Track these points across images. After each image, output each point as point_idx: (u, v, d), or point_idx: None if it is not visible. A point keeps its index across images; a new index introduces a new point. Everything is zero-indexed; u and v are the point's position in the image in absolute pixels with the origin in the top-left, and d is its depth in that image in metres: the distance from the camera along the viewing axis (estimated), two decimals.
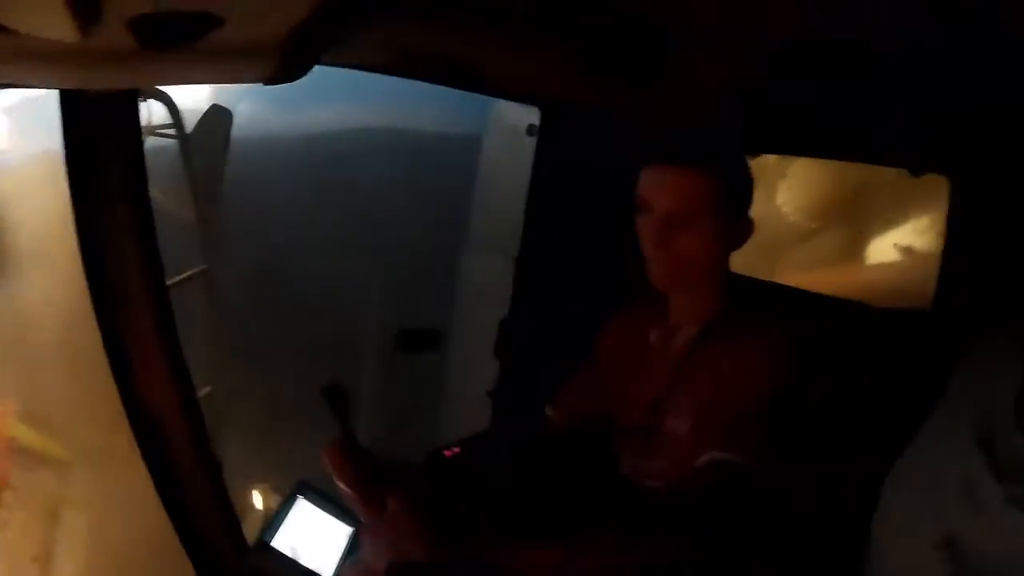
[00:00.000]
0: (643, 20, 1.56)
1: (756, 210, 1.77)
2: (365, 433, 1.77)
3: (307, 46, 1.16)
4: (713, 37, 1.63)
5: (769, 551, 1.64)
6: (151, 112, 3.25)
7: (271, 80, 1.20)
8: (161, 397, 2.02)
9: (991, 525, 1.34)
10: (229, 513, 2.15)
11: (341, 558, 1.96)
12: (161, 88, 3.27)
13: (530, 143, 2.72)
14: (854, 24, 1.41)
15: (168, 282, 2.02)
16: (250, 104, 4.16)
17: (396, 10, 1.42)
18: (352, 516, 1.98)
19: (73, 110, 1.76)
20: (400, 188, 4.20)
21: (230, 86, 3.85)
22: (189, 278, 3.56)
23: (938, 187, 2.09)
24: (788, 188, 3.48)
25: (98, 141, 1.79)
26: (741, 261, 1.85)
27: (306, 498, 2.02)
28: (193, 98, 3.76)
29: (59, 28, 0.92)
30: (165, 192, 3.32)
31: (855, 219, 3.40)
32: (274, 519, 1.96)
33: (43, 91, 1.81)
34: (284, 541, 1.92)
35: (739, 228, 1.74)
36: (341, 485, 1.64)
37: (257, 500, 3.75)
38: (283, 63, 1.16)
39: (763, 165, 3.22)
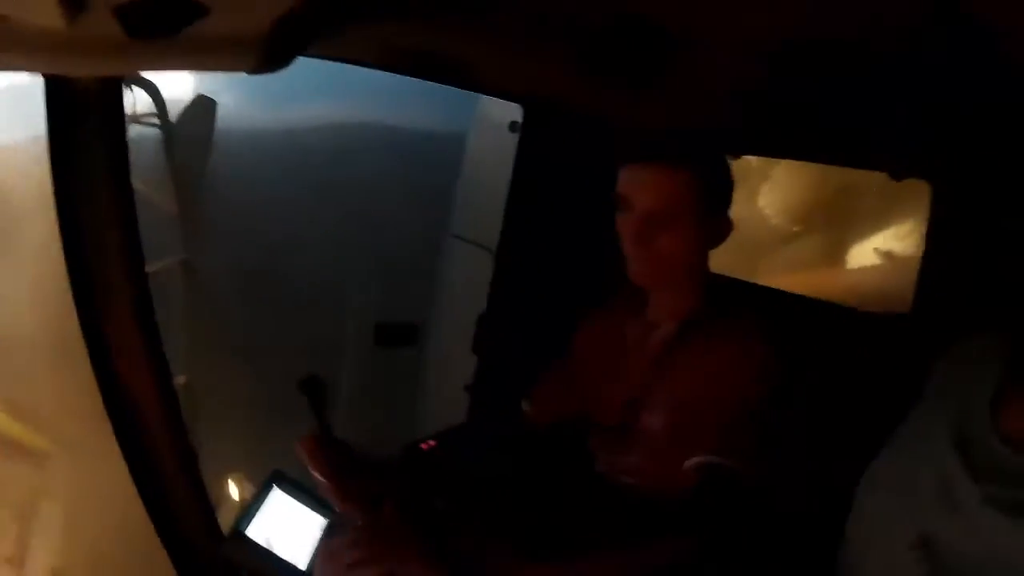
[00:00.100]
0: (643, 20, 1.57)
1: (738, 212, 1.78)
2: (342, 425, 1.77)
3: (292, 37, 1.16)
4: (713, 37, 1.63)
5: (757, 553, 1.65)
6: (135, 101, 3.23)
7: (255, 70, 1.20)
8: (139, 385, 2.01)
9: (967, 525, 1.36)
10: (205, 503, 2.15)
11: (315, 549, 1.96)
12: (146, 76, 3.26)
13: (514, 140, 2.73)
14: (854, 24, 1.42)
15: (147, 270, 2.01)
16: (234, 96, 4.15)
17: (384, 5, 1.42)
18: (327, 507, 1.98)
19: (58, 97, 1.75)
20: (383, 183, 4.20)
21: (214, 78, 3.85)
22: (168, 268, 3.55)
23: (920, 192, 2.11)
24: (770, 191, 3.50)
25: (81, 128, 1.78)
26: (722, 262, 1.87)
27: (281, 488, 2.02)
28: (178, 88, 3.74)
29: (46, 14, 0.92)
30: (147, 182, 3.30)
31: (837, 223, 3.42)
32: (249, 509, 1.95)
33: (28, 78, 1.80)
34: (259, 531, 1.91)
35: (718, 227, 1.75)
36: (317, 476, 1.64)
37: (233, 490, 3.74)
38: (268, 53, 1.16)
39: (745, 167, 3.23)
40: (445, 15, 1.58)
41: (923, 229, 2.11)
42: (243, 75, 1.25)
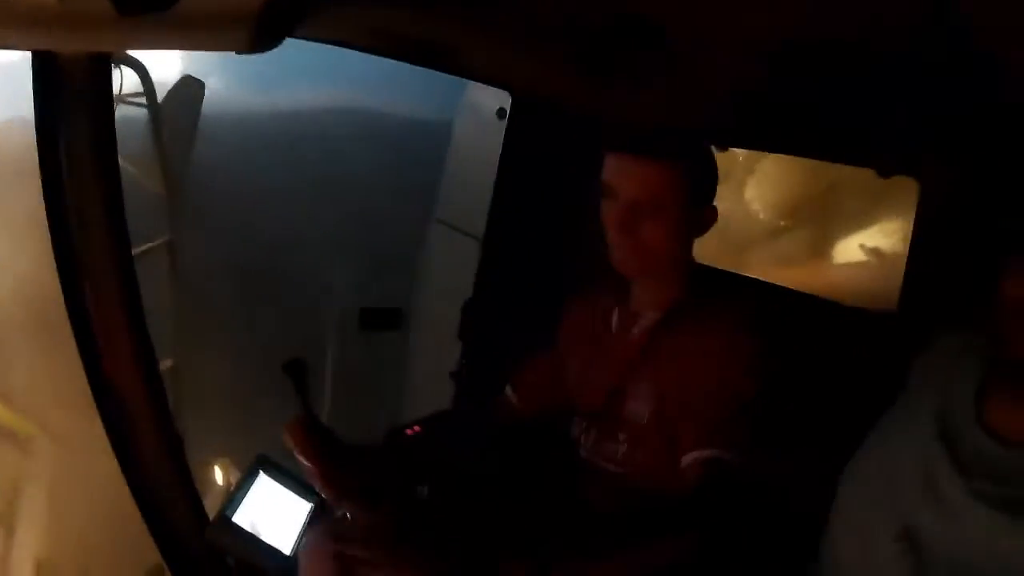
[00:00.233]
0: (643, 20, 1.56)
1: (724, 206, 1.78)
2: (327, 410, 1.77)
3: (281, 17, 1.15)
4: (713, 37, 1.63)
5: (760, 550, 1.66)
6: (122, 80, 3.20)
7: (245, 50, 1.19)
8: (124, 370, 1.99)
9: (952, 517, 1.37)
10: (190, 488, 2.14)
11: (300, 534, 1.95)
12: (134, 56, 3.23)
13: (501, 127, 2.72)
14: (854, 24, 1.42)
15: (133, 252, 2.00)
16: (221, 78, 4.13)
17: None
18: (312, 492, 1.97)
19: (46, 75, 1.74)
20: (370, 169, 4.19)
21: (201, 59, 3.82)
22: (152, 249, 3.52)
23: (907, 189, 2.11)
24: (757, 184, 3.50)
25: (68, 107, 1.77)
26: (709, 255, 1.87)
27: (266, 473, 2.02)
28: (166, 69, 3.72)
29: None
30: (134, 162, 3.28)
31: (824, 218, 3.43)
32: (235, 494, 1.95)
33: (15, 55, 1.79)
34: (244, 516, 1.91)
35: (702, 217, 1.75)
36: (302, 461, 1.64)
37: (218, 475, 3.73)
38: (257, 33, 1.15)
39: (732, 161, 3.24)
40: (439, 4, 1.57)
41: (910, 226, 2.12)
42: (231, 56, 1.24)
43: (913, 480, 1.44)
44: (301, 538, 1.93)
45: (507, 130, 2.71)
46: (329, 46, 1.99)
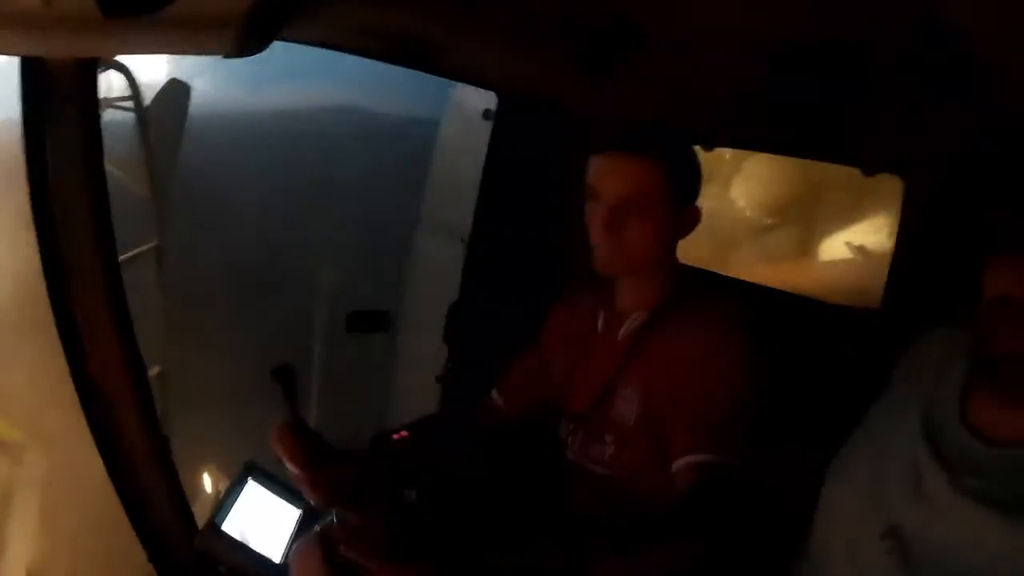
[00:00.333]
0: (627, 19, 1.57)
1: (711, 204, 1.79)
2: (314, 413, 1.76)
3: (268, 20, 1.15)
4: (713, 37, 1.64)
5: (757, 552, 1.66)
6: (109, 84, 3.20)
7: (232, 53, 1.19)
8: (112, 375, 1.99)
9: (937, 515, 1.37)
10: (179, 495, 2.13)
11: (289, 541, 1.95)
12: (121, 60, 3.22)
13: (487, 128, 2.72)
14: (853, 24, 1.42)
15: (120, 258, 1.99)
16: (207, 81, 4.12)
17: None
18: (301, 498, 1.97)
19: (33, 79, 1.73)
20: (356, 170, 4.18)
21: (188, 62, 3.82)
22: (140, 255, 3.52)
23: (892, 187, 2.12)
24: (743, 182, 3.50)
25: (55, 111, 1.76)
26: (695, 254, 1.87)
27: (255, 480, 2.01)
28: (152, 72, 3.71)
29: None
30: (120, 165, 3.27)
31: (810, 216, 3.43)
32: (224, 502, 1.95)
33: (4, 59, 1.78)
34: (233, 524, 1.91)
35: (686, 216, 1.75)
36: (290, 467, 1.64)
37: (207, 482, 3.72)
38: (243, 36, 1.15)
39: (718, 159, 3.24)
40: (438, 3, 1.57)
41: (895, 224, 2.12)
42: (218, 60, 1.24)
43: (898, 478, 1.44)
44: (291, 545, 1.93)
45: (493, 131, 2.71)
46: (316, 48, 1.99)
